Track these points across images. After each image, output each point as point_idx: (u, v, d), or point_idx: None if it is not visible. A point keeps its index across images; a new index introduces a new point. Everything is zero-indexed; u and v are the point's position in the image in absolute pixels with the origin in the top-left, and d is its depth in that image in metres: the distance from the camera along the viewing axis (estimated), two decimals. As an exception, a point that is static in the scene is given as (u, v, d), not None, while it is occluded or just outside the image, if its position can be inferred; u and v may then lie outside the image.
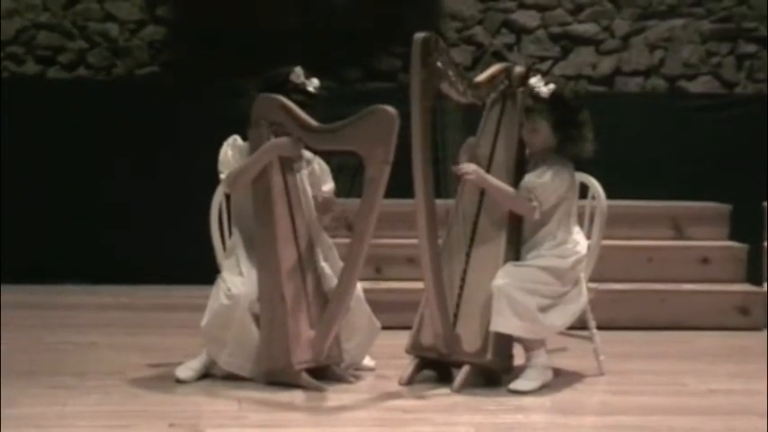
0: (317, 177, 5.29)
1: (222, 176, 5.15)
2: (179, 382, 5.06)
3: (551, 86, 5.06)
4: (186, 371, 5.11)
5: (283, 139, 5.06)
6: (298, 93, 5.11)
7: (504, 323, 4.96)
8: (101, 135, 7.70)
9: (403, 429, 4.49)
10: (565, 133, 5.06)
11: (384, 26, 7.98)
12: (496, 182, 5.09)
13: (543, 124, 5.07)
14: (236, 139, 5.20)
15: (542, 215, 5.07)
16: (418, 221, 4.96)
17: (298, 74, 5.14)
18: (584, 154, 5.10)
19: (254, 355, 5.02)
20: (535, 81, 5.09)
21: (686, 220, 7.02)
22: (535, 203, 5.03)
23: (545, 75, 5.19)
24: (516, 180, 5.13)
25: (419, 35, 4.90)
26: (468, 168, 5.08)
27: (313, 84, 5.16)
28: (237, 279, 5.05)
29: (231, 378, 5.06)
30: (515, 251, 5.12)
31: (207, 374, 5.12)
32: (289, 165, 5.18)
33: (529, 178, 5.06)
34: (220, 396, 4.88)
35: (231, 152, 5.16)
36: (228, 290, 5.02)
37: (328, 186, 5.30)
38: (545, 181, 5.03)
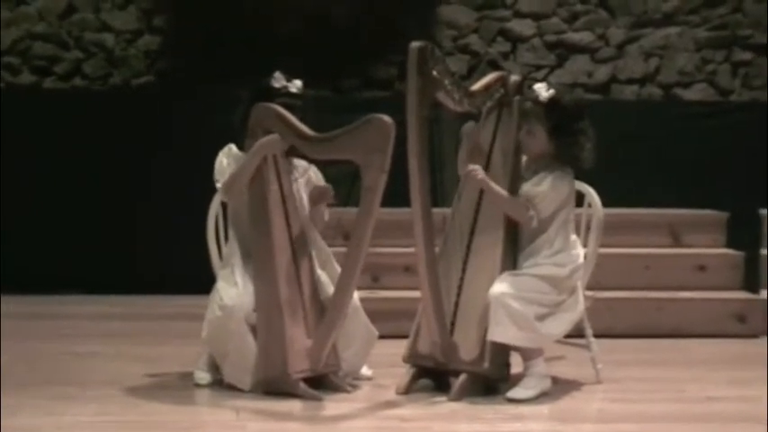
0: (314, 186, 5.30)
1: (218, 185, 5.16)
2: (198, 386, 5.11)
3: (551, 91, 5.08)
4: (200, 374, 5.17)
5: (269, 138, 5.05)
6: (281, 96, 5.12)
7: (502, 333, 4.96)
8: (97, 145, 7.71)
9: (401, 438, 4.51)
10: (560, 139, 5.07)
11: (380, 35, 8.00)
12: (499, 189, 5.09)
13: (539, 128, 5.07)
14: (231, 148, 5.21)
15: (540, 223, 5.07)
16: (415, 230, 4.96)
17: (278, 78, 5.15)
18: (582, 162, 5.09)
19: (253, 366, 5.02)
20: (539, 86, 5.10)
21: (683, 227, 7.02)
22: (532, 212, 5.04)
23: (546, 83, 5.18)
24: (512, 188, 5.13)
25: (415, 44, 4.90)
26: (476, 166, 5.08)
27: (296, 85, 5.17)
28: (232, 290, 5.04)
29: (231, 387, 5.06)
30: (512, 259, 5.13)
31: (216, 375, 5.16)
32: (285, 173, 5.18)
33: (527, 187, 5.06)
34: (219, 406, 4.88)
35: (227, 160, 5.17)
36: (221, 300, 5.02)
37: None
38: (543, 190, 5.03)
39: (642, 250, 6.89)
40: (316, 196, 5.26)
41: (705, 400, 5.11)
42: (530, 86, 5.16)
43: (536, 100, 5.07)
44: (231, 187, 5.10)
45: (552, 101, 5.06)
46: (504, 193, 5.08)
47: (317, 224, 5.29)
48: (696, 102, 8.27)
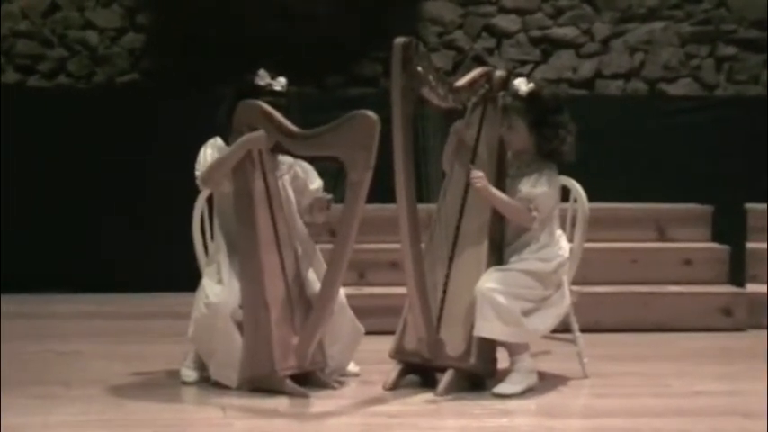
0: (301, 181, 5.27)
1: (197, 173, 5.14)
2: (184, 384, 5.09)
3: (531, 85, 5.08)
4: (187, 372, 5.15)
5: (254, 133, 5.04)
6: (266, 95, 5.10)
7: (488, 328, 4.96)
8: (82, 143, 7.68)
9: (388, 434, 4.50)
10: (541, 133, 5.06)
11: (365, 31, 7.99)
12: (500, 194, 5.09)
13: (520, 122, 5.08)
14: (216, 140, 5.19)
15: (537, 222, 5.06)
16: (401, 226, 4.96)
17: (262, 76, 5.14)
18: (563, 156, 5.09)
19: (240, 363, 5.01)
20: (518, 81, 5.11)
21: (668, 221, 7.04)
22: (535, 214, 5.03)
23: (527, 77, 5.19)
24: (499, 184, 5.13)
25: (399, 40, 4.90)
26: (478, 174, 5.07)
27: (280, 83, 5.16)
28: (217, 287, 5.04)
29: (217, 384, 5.05)
30: (498, 255, 5.13)
31: (202, 373, 5.14)
32: (271, 170, 5.17)
33: (527, 189, 5.03)
34: (205, 403, 4.87)
35: (210, 151, 5.15)
36: (207, 297, 5.02)
37: (316, 185, 5.27)
38: (544, 190, 5.03)
39: (628, 245, 6.91)
40: (317, 206, 5.22)
41: (692, 395, 5.11)
42: (507, 86, 5.17)
43: (516, 94, 5.07)
44: (208, 177, 5.09)
45: (531, 94, 5.06)
46: (506, 198, 5.07)
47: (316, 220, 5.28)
48: (681, 96, 8.28)
